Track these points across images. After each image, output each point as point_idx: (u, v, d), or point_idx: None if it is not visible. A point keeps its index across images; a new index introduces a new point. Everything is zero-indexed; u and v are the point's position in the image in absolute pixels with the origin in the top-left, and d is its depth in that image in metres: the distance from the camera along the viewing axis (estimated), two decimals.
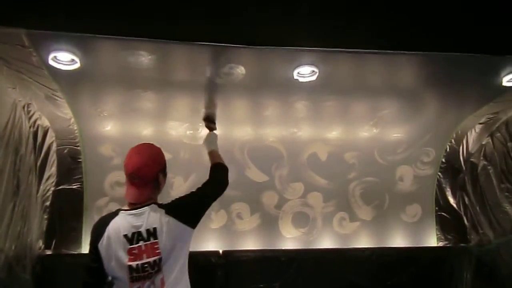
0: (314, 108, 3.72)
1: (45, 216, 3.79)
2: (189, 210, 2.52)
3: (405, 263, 4.20)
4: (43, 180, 3.72)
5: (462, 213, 4.41)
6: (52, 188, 3.85)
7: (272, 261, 4.06)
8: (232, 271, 3.96)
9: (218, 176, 2.89)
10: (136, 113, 3.72)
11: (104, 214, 3.95)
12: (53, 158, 3.83)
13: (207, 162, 4.23)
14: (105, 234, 2.33)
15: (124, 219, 2.35)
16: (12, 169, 3.03)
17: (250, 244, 4.29)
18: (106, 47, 2.66)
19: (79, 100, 3.49)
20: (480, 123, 4.08)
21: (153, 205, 2.41)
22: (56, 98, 3.29)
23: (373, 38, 2.63)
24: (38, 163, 3.63)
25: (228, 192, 4.22)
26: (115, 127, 3.99)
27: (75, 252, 3.90)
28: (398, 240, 4.46)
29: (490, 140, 4.05)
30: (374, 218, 4.48)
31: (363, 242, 4.42)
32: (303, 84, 3.01)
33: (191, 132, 4.11)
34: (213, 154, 3.24)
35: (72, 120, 3.73)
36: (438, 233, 4.55)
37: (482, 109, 3.77)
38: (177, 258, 2.41)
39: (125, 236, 2.31)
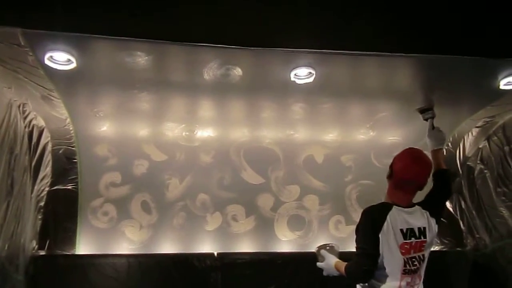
0: (310, 110, 3.71)
1: (39, 217, 3.76)
2: (441, 211, 2.81)
3: None
4: (38, 180, 3.68)
5: (459, 217, 4.40)
6: (47, 189, 3.82)
7: (268, 264, 4.04)
8: (227, 273, 3.94)
9: (449, 184, 3.03)
10: (132, 113, 3.70)
11: (98, 215, 4.02)
12: (48, 158, 3.81)
13: (203, 164, 4.26)
14: (385, 224, 2.46)
15: (400, 214, 2.52)
16: (7, 169, 3.01)
17: (245, 246, 4.28)
18: (103, 47, 2.65)
19: (75, 100, 3.47)
20: (477, 127, 4.06)
21: (417, 206, 2.65)
22: (52, 98, 3.28)
23: (371, 40, 2.62)
24: (33, 163, 3.60)
25: (223, 194, 4.28)
26: (111, 128, 3.97)
27: (69, 253, 3.88)
28: None
29: (487, 144, 4.04)
30: None
31: None
32: (300, 86, 3.00)
33: (187, 133, 4.10)
34: (439, 155, 3.22)
35: (68, 120, 3.71)
36: None
37: (479, 113, 3.76)
38: (428, 255, 2.63)
39: (401, 230, 2.49)
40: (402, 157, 2.66)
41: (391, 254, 2.46)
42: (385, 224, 2.46)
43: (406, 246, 2.48)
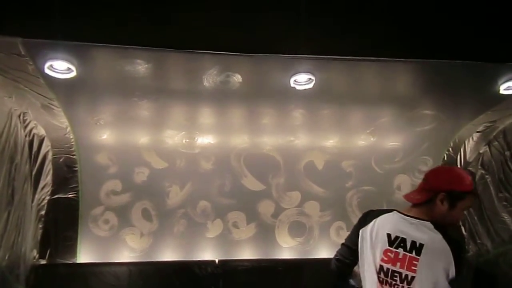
0: (310, 116, 3.71)
1: (40, 226, 3.76)
2: (460, 268, 2.17)
3: None
4: (38, 189, 3.68)
5: (460, 223, 4.38)
6: (48, 197, 3.82)
7: (269, 271, 4.03)
8: (229, 281, 3.93)
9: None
10: (132, 121, 3.71)
11: (99, 223, 4.02)
12: (48, 167, 3.81)
13: (203, 171, 4.25)
14: (371, 223, 2.31)
15: (394, 219, 2.29)
16: (7, 178, 3.00)
17: (247, 253, 4.27)
18: (102, 55, 2.66)
19: (75, 108, 3.48)
20: (478, 132, 4.05)
21: (429, 222, 2.22)
22: (52, 107, 3.28)
23: (370, 46, 2.62)
24: (34, 172, 3.60)
25: (224, 201, 4.27)
26: (112, 136, 3.97)
27: (70, 262, 3.87)
28: None
29: (487, 149, 4.02)
30: None
31: None
32: (300, 92, 3.00)
33: (188, 140, 4.10)
34: None
35: (68, 129, 3.72)
36: None
37: (479, 118, 3.76)
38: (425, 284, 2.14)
39: (388, 235, 2.23)
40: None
41: (369, 257, 2.25)
42: (372, 223, 2.30)
43: (389, 253, 2.19)
